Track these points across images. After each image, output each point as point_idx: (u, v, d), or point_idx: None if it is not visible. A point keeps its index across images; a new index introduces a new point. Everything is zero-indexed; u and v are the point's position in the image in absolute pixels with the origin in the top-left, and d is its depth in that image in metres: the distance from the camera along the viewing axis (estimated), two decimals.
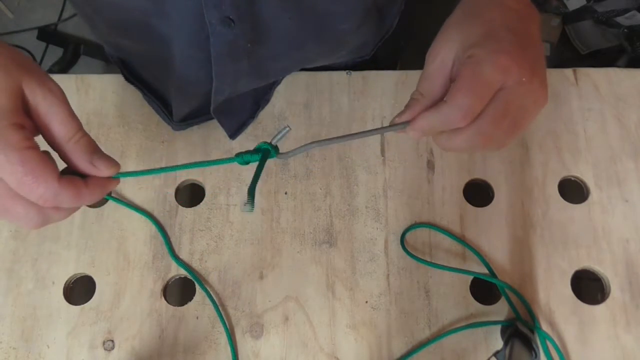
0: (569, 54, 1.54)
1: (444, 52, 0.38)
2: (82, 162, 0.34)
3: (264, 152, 0.38)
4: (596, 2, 1.57)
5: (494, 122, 0.36)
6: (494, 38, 0.37)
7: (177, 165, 0.39)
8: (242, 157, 0.38)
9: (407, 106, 0.40)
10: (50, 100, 0.33)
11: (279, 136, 0.38)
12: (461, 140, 0.37)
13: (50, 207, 0.33)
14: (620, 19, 1.52)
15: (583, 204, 0.56)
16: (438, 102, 0.39)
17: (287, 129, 0.38)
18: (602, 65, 0.62)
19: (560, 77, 0.61)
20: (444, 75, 0.38)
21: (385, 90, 0.61)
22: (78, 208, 0.36)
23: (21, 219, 0.34)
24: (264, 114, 0.60)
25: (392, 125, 0.40)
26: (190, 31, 0.48)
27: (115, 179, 0.37)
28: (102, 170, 0.35)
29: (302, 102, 0.61)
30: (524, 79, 0.36)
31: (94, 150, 0.35)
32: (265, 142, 0.38)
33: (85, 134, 0.35)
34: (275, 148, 0.38)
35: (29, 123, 0.33)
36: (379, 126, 0.60)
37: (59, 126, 0.34)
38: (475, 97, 0.36)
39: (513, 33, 0.37)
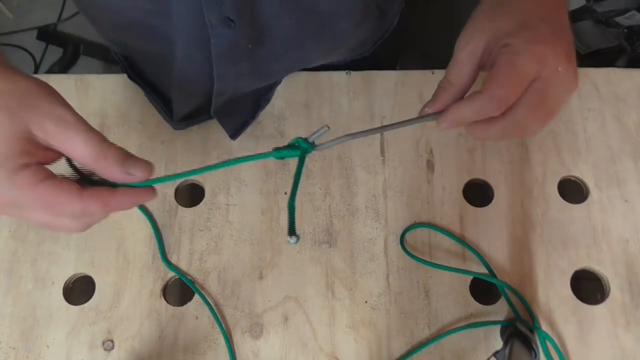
0: None
1: (474, 41, 0.38)
2: (118, 174, 0.35)
3: (303, 150, 0.38)
4: (596, 2, 1.57)
5: (530, 111, 0.36)
6: (530, 28, 0.36)
7: (212, 165, 0.38)
8: (280, 153, 0.38)
9: (435, 95, 0.39)
10: (65, 127, 0.33)
11: (316, 135, 0.38)
12: (496, 130, 0.37)
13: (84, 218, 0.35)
14: (620, 19, 1.52)
15: (583, 204, 0.56)
16: (466, 90, 0.39)
17: (326, 128, 0.38)
18: (602, 65, 0.62)
19: None
20: (472, 63, 0.38)
21: (385, 90, 0.61)
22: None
23: (69, 229, 0.36)
24: (264, 114, 0.60)
25: (424, 116, 0.39)
26: (191, 31, 0.48)
27: (147, 189, 0.37)
28: (138, 177, 0.35)
29: (302, 102, 0.61)
30: (559, 68, 0.36)
31: (125, 158, 0.35)
32: (301, 138, 0.38)
33: (111, 145, 0.35)
34: (312, 144, 0.38)
35: (42, 154, 0.33)
36: (379, 125, 0.59)
37: (82, 149, 0.34)
38: (511, 87, 0.35)
39: (547, 22, 0.37)
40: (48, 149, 0.34)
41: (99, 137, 0.34)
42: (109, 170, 0.34)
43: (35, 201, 0.33)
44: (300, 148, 0.38)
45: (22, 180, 0.32)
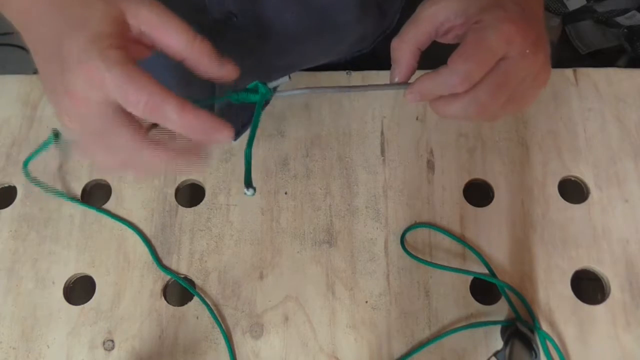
0: (569, 54, 1.54)
1: (441, 4, 0.38)
2: (209, 64, 0.33)
3: (262, 95, 0.37)
4: (596, 2, 1.57)
5: (493, 92, 0.36)
6: (501, 7, 0.36)
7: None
8: (239, 95, 0.37)
9: (394, 60, 0.39)
10: (159, 12, 0.33)
11: (276, 82, 0.38)
12: (457, 107, 0.37)
13: (155, 116, 0.32)
14: (620, 19, 1.52)
15: (583, 204, 0.56)
16: (419, 48, 0.38)
17: (287, 78, 0.38)
18: (602, 65, 0.62)
19: (560, 77, 0.61)
20: (432, 23, 0.38)
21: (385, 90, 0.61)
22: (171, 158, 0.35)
23: (132, 130, 0.33)
24: (264, 114, 0.60)
25: (393, 84, 0.39)
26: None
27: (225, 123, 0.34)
28: (228, 72, 0.34)
29: (302, 102, 0.61)
30: (527, 51, 0.35)
31: (214, 50, 0.34)
32: (260, 83, 0.38)
33: (202, 37, 0.34)
34: (271, 90, 0.38)
35: (134, 47, 0.32)
36: (379, 125, 0.60)
37: (176, 34, 0.33)
38: (476, 62, 0.35)
39: (520, 6, 0.37)
40: (138, 42, 0.33)
41: (190, 27, 0.33)
42: (202, 59, 0.33)
43: (117, 78, 0.30)
44: (259, 93, 0.38)
45: (113, 55, 0.31)
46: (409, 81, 0.39)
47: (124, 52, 0.31)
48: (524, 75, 0.36)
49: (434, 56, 0.40)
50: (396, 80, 0.39)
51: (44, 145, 0.58)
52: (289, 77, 0.38)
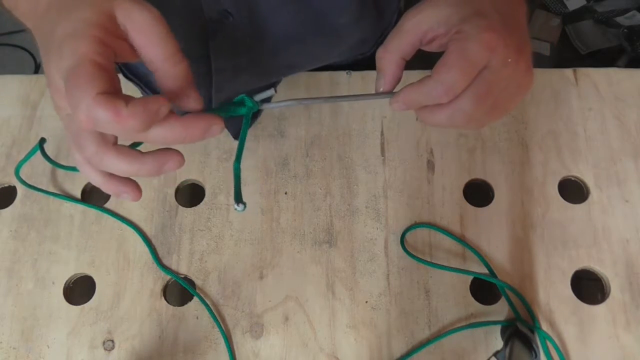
0: (569, 54, 1.54)
1: (424, 14, 0.38)
2: (175, 88, 0.33)
3: (249, 108, 0.37)
4: (596, 2, 1.57)
5: (476, 101, 0.36)
6: (482, 15, 0.36)
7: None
8: (227, 109, 0.37)
9: (379, 70, 0.39)
10: (149, 18, 0.32)
11: (262, 95, 0.38)
12: (442, 117, 0.37)
13: (89, 127, 0.30)
14: (620, 19, 1.52)
15: (583, 204, 0.56)
16: (404, 58, 0.39)
17: (273, 91, 0.38)
18: (602, 65, 0.62)
19: (560, 77, 0.61)
20: (416, 34, 0.38)
21: None
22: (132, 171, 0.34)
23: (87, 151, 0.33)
24: (264, 114, 0.61)
25: (378, 94, 0.39)
26: (189, 25, 0.48)
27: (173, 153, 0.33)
28: (190, 103, 0.33)
29: None
30: (509, 60, 0.35)
31: (189, 80, 0.33)
32: (247, 96, 0.37)
33: (184, 59, 0.33)
34: (258, 103, 0.38)
35: (116, 43, 0.32)
36: (379, 125, 0.60)
37: (157, 46, 0.32)
38: (459, 73, 0.35)
39: (500, 14, 0.37)
40: (120, 41, 0.32)
41: (177, 45, 0.33)
42: (170, 79, 0.32)
43: (67, 72, 0.29)
44: (246, 106, 0.38)
45: (82, 48, 0.30)
46: (394, 90, 0.39)
47: (95, 47, 0.30)
48: (507, 83, 0.36)
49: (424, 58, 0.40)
50: (381, 89, 0.39)
51: (32, 153, 0.58)
52: (275, 90, 0.38)
